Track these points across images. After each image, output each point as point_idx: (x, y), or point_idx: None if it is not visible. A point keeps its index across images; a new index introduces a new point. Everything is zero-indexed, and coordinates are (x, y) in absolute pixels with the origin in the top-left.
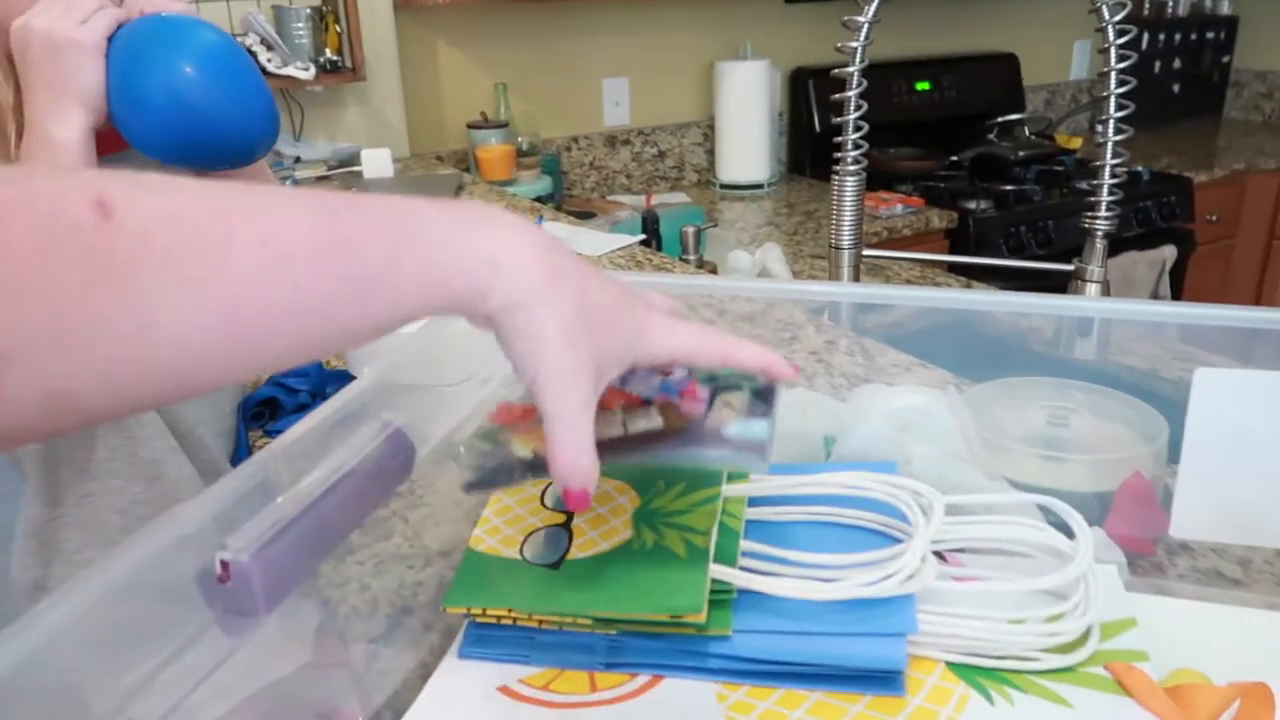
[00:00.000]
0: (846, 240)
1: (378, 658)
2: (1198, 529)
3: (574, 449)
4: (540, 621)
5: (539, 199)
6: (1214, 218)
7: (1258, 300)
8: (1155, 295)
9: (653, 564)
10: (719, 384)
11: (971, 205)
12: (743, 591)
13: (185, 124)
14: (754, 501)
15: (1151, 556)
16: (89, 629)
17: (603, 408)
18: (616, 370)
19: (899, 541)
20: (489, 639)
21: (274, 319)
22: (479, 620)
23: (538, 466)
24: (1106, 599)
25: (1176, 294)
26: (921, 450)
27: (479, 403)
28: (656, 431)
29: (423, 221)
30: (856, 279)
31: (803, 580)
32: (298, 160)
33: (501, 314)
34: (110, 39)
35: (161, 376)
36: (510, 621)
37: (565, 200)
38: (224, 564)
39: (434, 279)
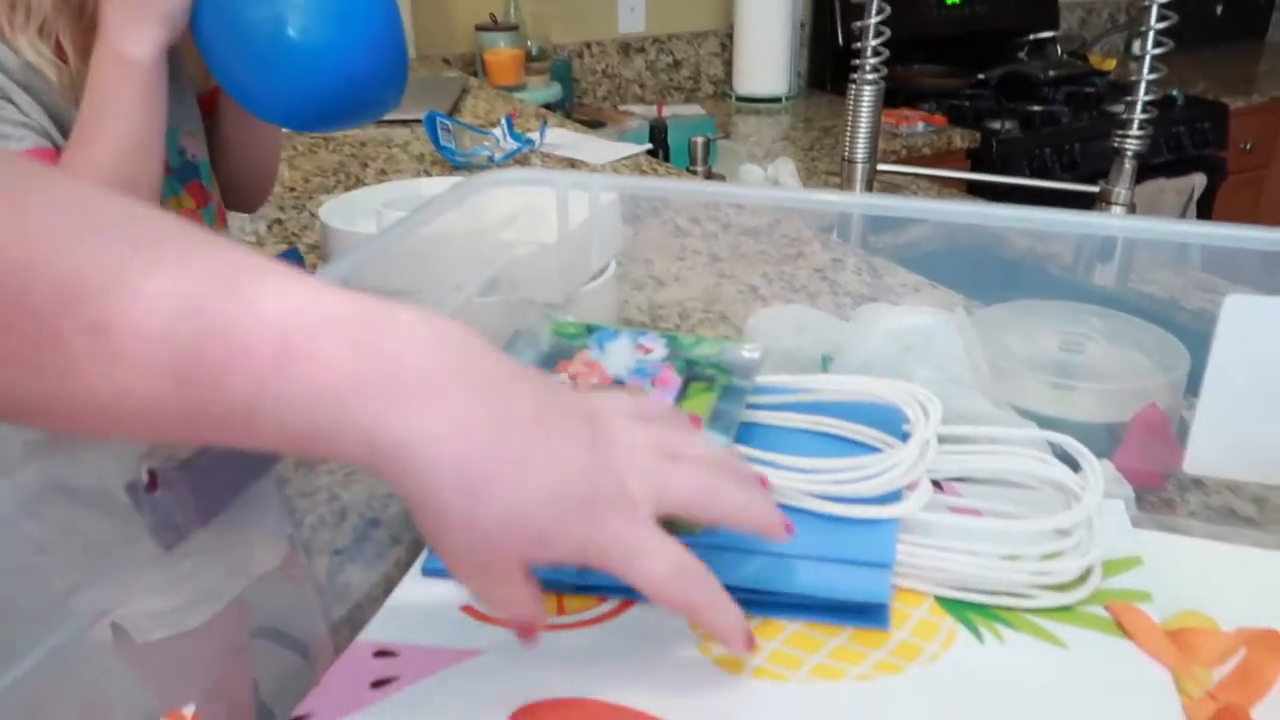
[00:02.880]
0: (861, 153)
1: (341, 570)
2: (1213, 464)
3: (509, 608)
4: None
5: (548, 105)
6: (1247, 145)
7: None
8: None
9: None
10: (692, 372)
11: (996, 125)
12: None
13: (291, 67)
14: (751, 406)
15: (1161, 492)
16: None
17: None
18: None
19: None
20: None
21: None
22: None
23: None
24: (1111, 536)
25: None
26: (924, 373)
27: (452, 312)
28: None
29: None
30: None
31: (782, 473)
32: None
33: (411, 507)
34: None
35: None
36: None
37: (575, 109)
38: (151, 473)
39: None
